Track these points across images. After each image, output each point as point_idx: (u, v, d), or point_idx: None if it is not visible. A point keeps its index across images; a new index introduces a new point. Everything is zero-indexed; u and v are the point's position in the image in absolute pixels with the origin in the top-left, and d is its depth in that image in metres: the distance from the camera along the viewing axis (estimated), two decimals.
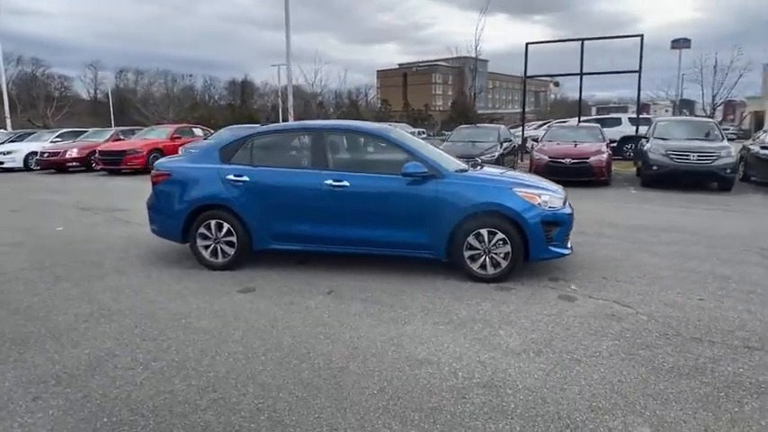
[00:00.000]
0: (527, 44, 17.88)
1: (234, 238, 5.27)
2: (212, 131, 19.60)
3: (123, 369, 3.21)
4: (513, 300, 4.43)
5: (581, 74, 17.31)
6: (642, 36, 16.44)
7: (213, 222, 5.29)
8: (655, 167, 11.02)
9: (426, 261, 5.18)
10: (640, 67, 16.32)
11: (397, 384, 3.01)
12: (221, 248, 5.32)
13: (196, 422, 2.65)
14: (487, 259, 4.84)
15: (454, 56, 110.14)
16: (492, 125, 20.36)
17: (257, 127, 17.09)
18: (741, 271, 5.20)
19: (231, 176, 5.23)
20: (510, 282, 4.85)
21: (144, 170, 16.21)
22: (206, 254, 5.36)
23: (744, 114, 57.45)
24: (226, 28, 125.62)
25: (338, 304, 4.36)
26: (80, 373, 3.16)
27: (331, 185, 5.00)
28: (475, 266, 4.88)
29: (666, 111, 59.96)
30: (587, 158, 11.46)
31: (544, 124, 26.89)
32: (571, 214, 5.03)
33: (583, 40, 17.24)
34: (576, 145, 12.29)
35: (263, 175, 5.22)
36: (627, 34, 18.33)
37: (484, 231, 4.81)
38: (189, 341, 3.63)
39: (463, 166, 5.42)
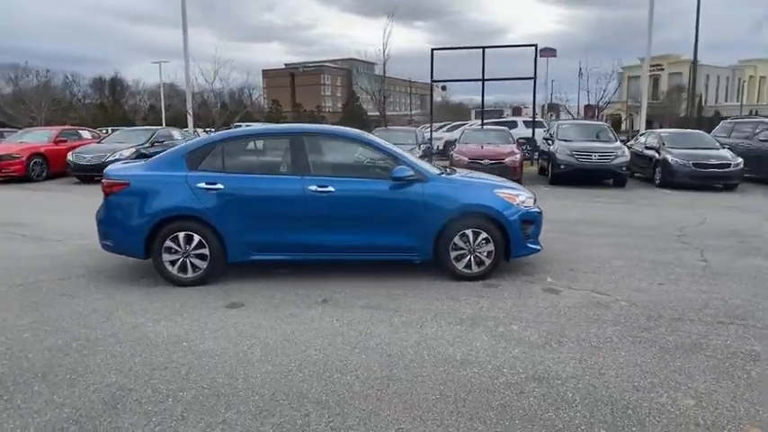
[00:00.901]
0: (432, 50, 18.64)
1: (206, 251, 4.89)
2: (103, 133, 17.78)
3: (151, 403, 2.87)
4: (505, 296, 4.66)
5: (483, 80, 18.45)
6: (536, 45, 18.01)
7: (182, 234, 4.86)
8: (562, 167, 12.12)
9: (407, 263, 5.24)
10: (535, 74, 17.82)
11: (454, 387, 3.04)
12: (191, 262, 4.91)
13: None
14: (472, 258, 5.03)
15: (344, 57, 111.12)
16: (408, 128, 20.86)
17: (157, 128, 15.70)
18: (675, 256, 5.96)
19: (203, 184, 4.85)
20: (493, 279, 5.09)
21: (23, 178, 14.25)
22: (173, 269, 4.91)
23: (602, 116, 65.11)
24: (85, 18, 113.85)
25: (342, 312, 4.26)
26: (100, 414, 2.76)
27: (315, 191, 4.85)
28: (460, 266, 5.04)
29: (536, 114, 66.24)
30: (503, 159, 12.27)
31: (443, 127, 28.22)
32: (541, 213, 5.39)
33: (484, 48, 18.38)
34: (490, 146, 13.10)
35: (239, 182, 4.91)
36: (522, 44, 19.80)
37: (469, 232, 4.98)
38: (206, 366, 3.33)
39: (440, 169, 5.56)
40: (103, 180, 5.06)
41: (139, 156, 14.37)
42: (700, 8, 22.25)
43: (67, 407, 2.85)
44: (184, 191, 4.86)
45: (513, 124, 20.87)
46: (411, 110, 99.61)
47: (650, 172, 12.82)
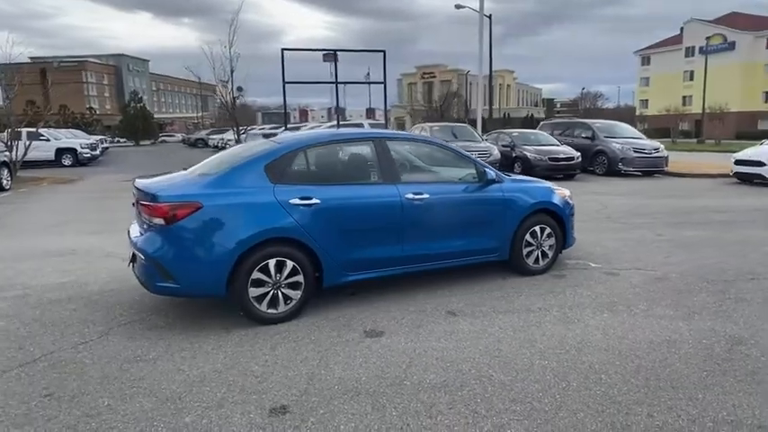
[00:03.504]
0: (282, 50, 17.98)
1: (300, 278, 4.19)
2: None
3: None
4: (586, 283, 5.12)
5: (336, 83, 18.70)
6: (384, 51, 18.90)
7: (272, 262, 4.07)
8: None
9: (478, 265, 5.29)
10: (385, 78, 18.76)
11: (701, 364, 3.36)
12: (283, 294, 4.15)
13: None
14: (539, 253, 5.36)
15: (107, 53, 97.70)
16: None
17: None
18: (638, 234, 7.26)
19: (296, 200, 4.13)
20: (553, 270, 5.49)
21: None
22: (261, 305, 4.08)
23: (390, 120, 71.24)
24: None
25: (489, 321, 4.17)
26: None
27: (412, 199, 4.57)
28: (530, 261, 5.33)
29: (323, 117, 68.92)
30: None
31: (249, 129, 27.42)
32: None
33: (335, 51, 18.69)
34: None
35: (336, 194, 4.32)
36: (371, 49, 20.38)
37: (537, 228, 5.31)
38: (472, 401, 2.99)
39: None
40: (157, 204, 3.88)
41: None
42: (491, 31, 26.17)
43: None
44: (275, 209, 4.07)
45: (360, 126, 21.58)
46: (199, 111, 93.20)
47: (509, 167, 14.82)
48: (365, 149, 4.71)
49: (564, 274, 5.42)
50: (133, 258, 4.25)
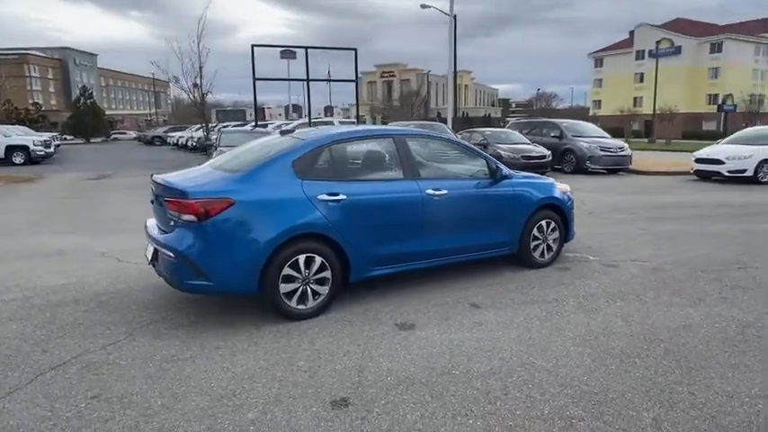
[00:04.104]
0: (252, 46, 17.83)
1: (327, 274, 4.21)
2: None
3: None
4: (591, 275, 5.35)
5: (307, 80, 18.60)
6: (356, 50, 18.96)
7: (302, 258, 4.07)
8: None
9: (485, 260, 5.44)
10: (356, 77, 18.93)
11: (726, 347, 3.61)
12: (312, 290, 4.16)
13: None
14: (545, 247, 5.57)
15: (52, 46, 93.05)
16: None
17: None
18: (622, 228, 7.64)
19: (324, 196, 4.15)
20: (557, 264, 5.71)
21: None
22: (291, 301, 4.08)
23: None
24: None
25: (513, 312, 4.31)
26: None
27: (432, 195, 4.67)
28: (537, 255, 5.53)
29: (280, 115, 68.21)
30: None
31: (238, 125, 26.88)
32: None
33: (307, 48, 18.56)
34: None
35: (362, 191, 4.36)
36: (342, 47, 20.19)
37: (543, 222, 5.51)
38: (517, 388, 3.11)
39: None
40: (188, 200, 3.81)
41: None
42: (456, 31, 26.56)
43: None
44: (305, 205, 4.08)
45: (331, 124, 21.51)
46: (150, 108, 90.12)
47: None
48: (386, 146, 4.76)
49: (567, 266, 5.64)
50: (155, 256, 4.16)
